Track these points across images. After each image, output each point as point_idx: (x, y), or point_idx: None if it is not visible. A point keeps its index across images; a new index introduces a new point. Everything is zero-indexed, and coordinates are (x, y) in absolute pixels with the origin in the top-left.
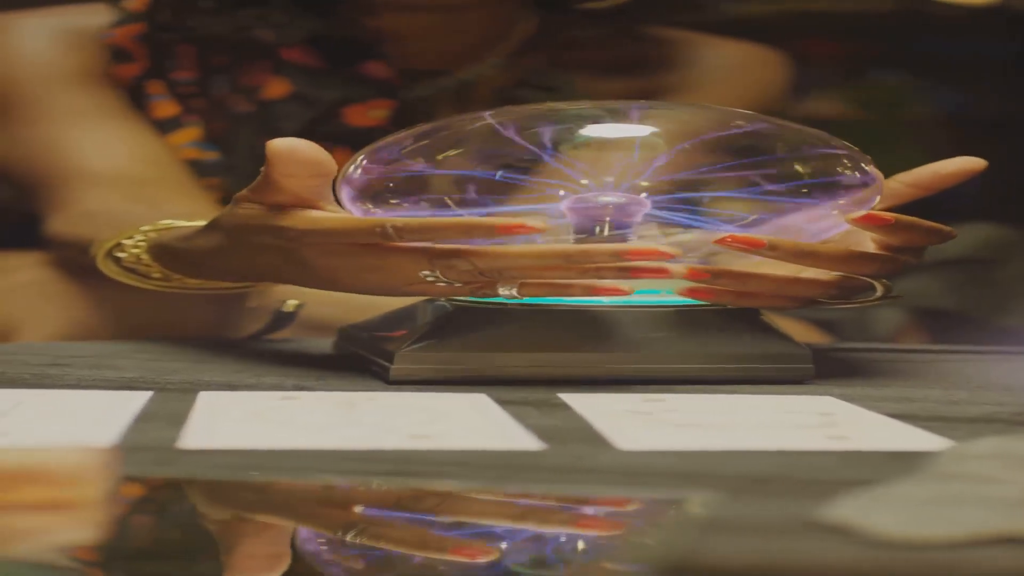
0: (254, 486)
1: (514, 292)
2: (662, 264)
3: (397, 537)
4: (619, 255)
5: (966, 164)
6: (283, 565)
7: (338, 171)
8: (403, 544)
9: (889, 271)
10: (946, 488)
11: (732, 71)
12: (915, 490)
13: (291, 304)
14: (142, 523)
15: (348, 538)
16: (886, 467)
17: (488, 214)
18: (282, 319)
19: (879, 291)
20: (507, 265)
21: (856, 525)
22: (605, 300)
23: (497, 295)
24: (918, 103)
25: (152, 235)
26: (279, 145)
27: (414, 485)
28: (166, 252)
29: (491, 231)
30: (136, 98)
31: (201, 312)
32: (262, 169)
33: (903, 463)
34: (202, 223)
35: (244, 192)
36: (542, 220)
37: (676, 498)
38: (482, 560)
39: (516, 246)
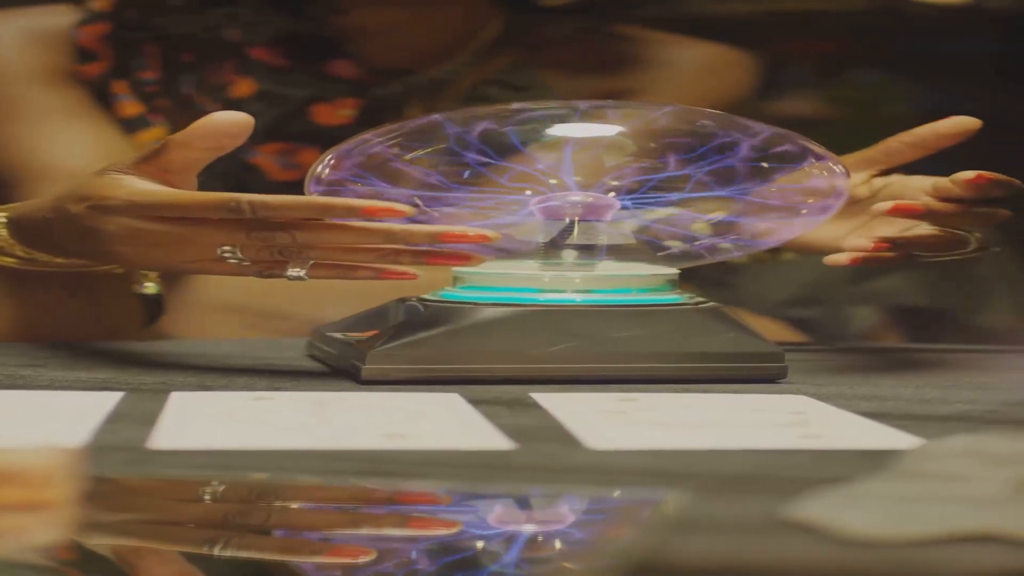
0: (224, 485)
1: (302, 273)
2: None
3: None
4: (436, 237)
5: (963, 123)
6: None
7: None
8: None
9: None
10: (916, 486)
11: (699, 71)
12: (886, 488)
13: (150, 287)
14: (111, 523)
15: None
16: (857, 465)
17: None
18: (152, 305)
19: (973, 244)
20: (325, 240)
21: (827, 523)
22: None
23: (283, 276)
24: (894, 102)
25: (13, 209)
26: (214, 116)
27: (386, 484)
28: (26, 231)
29: (352, 212)
30: (102, 98)
31: (71, 304)
32: (168, 138)
33: (874, 461)
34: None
35: (119, 161)
36: (406, 206)
37: (646, 497)
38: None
39: (340, 221)
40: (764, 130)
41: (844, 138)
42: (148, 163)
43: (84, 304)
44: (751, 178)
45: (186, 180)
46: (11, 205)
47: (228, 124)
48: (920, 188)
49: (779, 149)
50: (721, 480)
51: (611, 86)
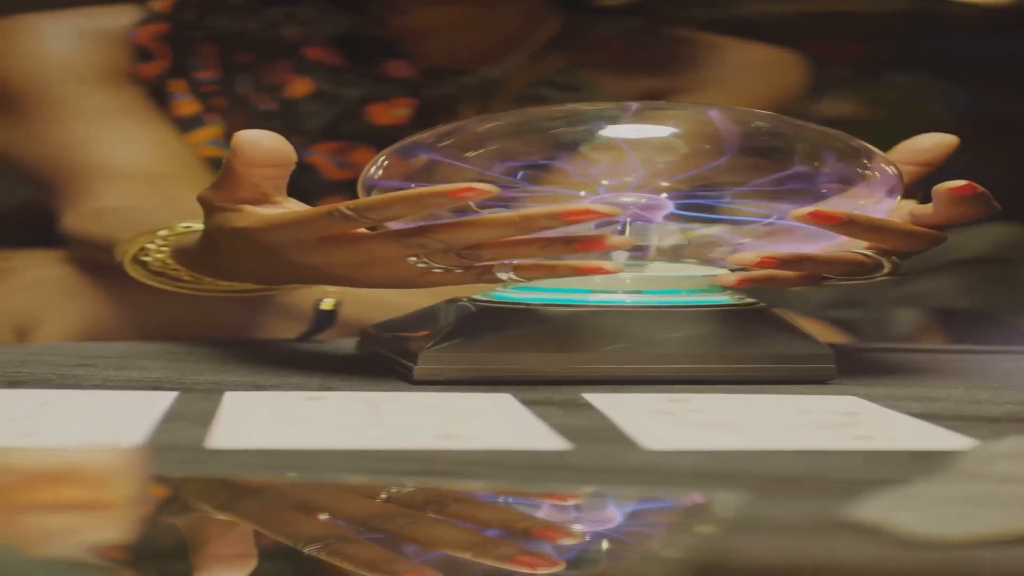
0: (283, 486)
1: (512, 275)
2: (603, 237)
3: (427, 538)
4: (556, 216)
5: (939, 140)
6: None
7: (294, 165)
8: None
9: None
10: (972, 487)
11: (751, 72)
12: (941, 489)
13: (328, 302)
14: (171, 523)
15: (378, 537)
16: (911, 466)
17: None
18: (323, 318)
19: (887, 268)
20: (465, 237)
21: (883, 524)
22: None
23: (499, 280)
24: (932, 103)
25: (172, 239)
26: (244, 134)
27: (442, 485)
28: (187, 256)
29: (439, 198)
30: (158, 97)
31: (228, 312)
32: (223, 161)
33: (928, 462)
34: None
35: (204, 191)
36: (488, 184)
37: (703, 498)
38: (544, 571)
39: (465, 217)
40: (820, 132)
41: (882, 140)
42: (233, 190)
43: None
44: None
45: (284, 199)
46: (165, 233)
47: (267, 139)
48: (900, 212)
49: (835, 151)
50: (775, 481)
51: (662, 86)
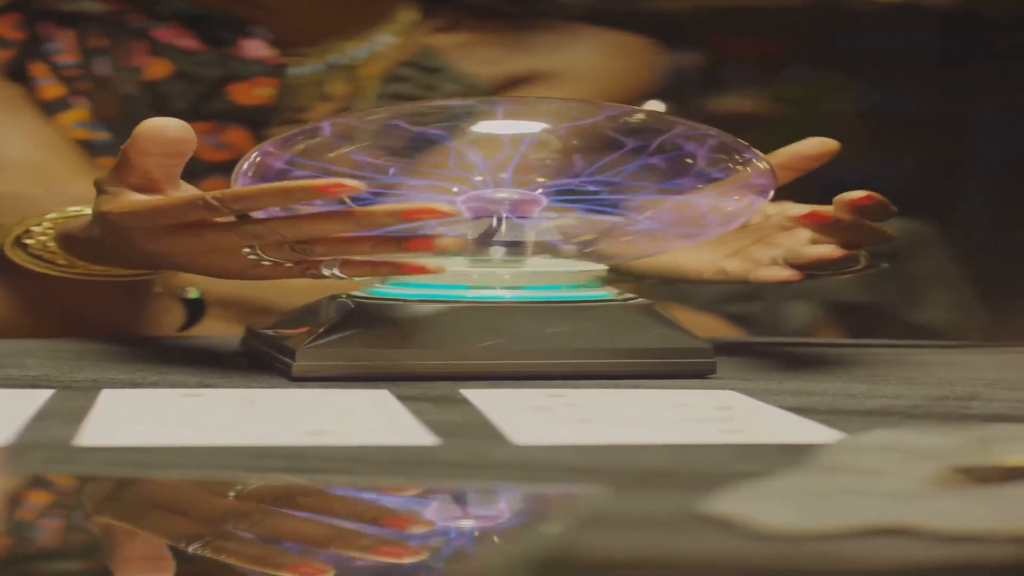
0: (145, 484)
1: (335, 271)
2: (432, 238)
3: (285, 533)
4: (396, 214)
5: (823, 145)
6: (173, 565)
7: (192, 153)
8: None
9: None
10: (832, 480)
11: (600, 56)
12: (801, 482)
13: (191, 292)
14: (31, 522)
15: (238, 534)
16: (775, 459)
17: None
18: (193, 308)
19: (862, 262)
20: (305, 231)
21: (740, 517)
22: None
23: (322, 275)
24: (837, 98)
25: (59, 222)
26: (148, 123)
27: (305, 481)
28: (68, 240)
29: (307, 192)
30: (21, 83)
31: (112, 303)
32: (121, 147)
33: (792, 455)
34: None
35: (102, 175)
36: (357, 181)
37: (564, 492)
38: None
39: (308, 211)
40: (691, 127)
41: (786, 136)
42: (125, 175)
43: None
44: (677, 175)
45: (174, 186)
46: (54, 216)
47: (172, 128)
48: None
49: (706, 144)
50: (639, 475)
51: (519, 69)
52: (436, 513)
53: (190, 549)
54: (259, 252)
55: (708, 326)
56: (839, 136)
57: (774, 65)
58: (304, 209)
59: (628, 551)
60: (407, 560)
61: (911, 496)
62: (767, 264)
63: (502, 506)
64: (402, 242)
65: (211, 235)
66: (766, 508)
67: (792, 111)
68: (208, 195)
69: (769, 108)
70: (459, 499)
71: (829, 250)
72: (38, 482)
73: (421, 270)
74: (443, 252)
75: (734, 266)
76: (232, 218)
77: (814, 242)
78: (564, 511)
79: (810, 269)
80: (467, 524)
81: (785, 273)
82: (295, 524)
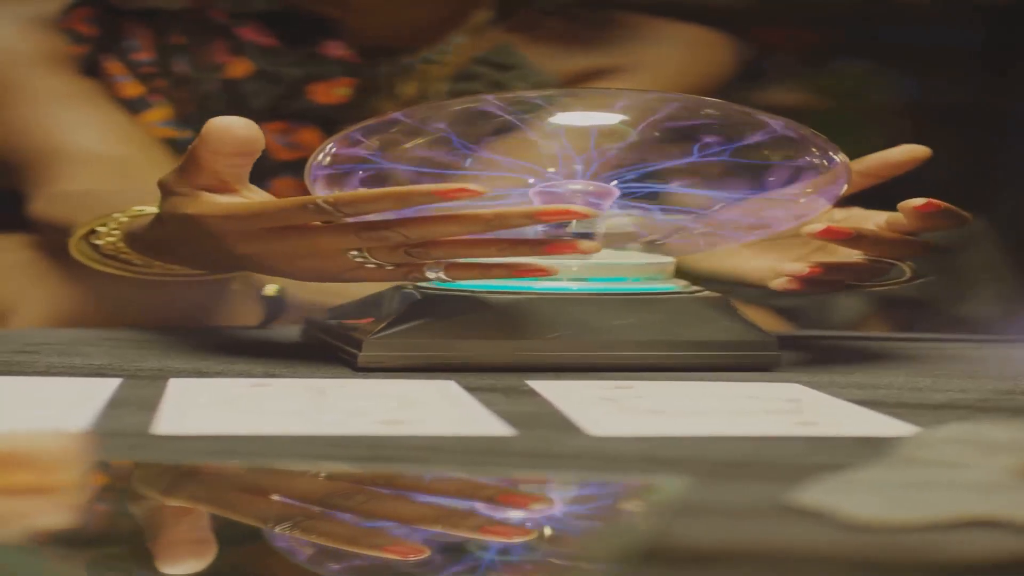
0: (229, 472)
1: (441, 275)
2: (575, 241)
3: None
4: (532, 216)
5: (913, 152)
6: (254, 549)
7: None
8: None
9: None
10: (914, 473)
11: (682, 51)
12: (884, 475)
13: (270, 289)
14: (117, 508)
15: (322, 522)
16: (854, 452)
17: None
18: (273, 306)
19: (907, 273)
20: (432, 233)
21: (826, 509)
22: (530, 284)
23: (426, 278)
24: (880, 91)
25: (124, 222)
26: (216, 122)
27: (387, 470)
28: (138, 240)
29: (428, 197)
30: (95, 79)
31: (188, 296)
32: (189, 147)
33: (871, 448)
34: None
35: (167, 176)
36: (480, 185)
37: (647, 483)
38: (413, 558)
39: (436, 214)
40: (773, 122)
41: (829, 128)
42: (194, 176)
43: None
44: (756, 170)
45: (245, 186)
46: (119, 216)
47: (239, 127)
48: (877, 222)
49: (783, 139)
50: (719, 466)
51: (595, 65)
52: (520, 504)
53: (279, 530)
54: (366, 255)
55: (756, 319)
56: (883, 129)
57: (817, 58)
58: (427, 211)
59: (718, 542)
60: (516, 540)
61: (996, 488)
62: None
63: (588, 496)
64: (540, 245)
65: (319, 238)
66: (853, 500)
67: (835, 103)
68: (320, 198)
69: (812, 100)
70: (545, 488)
71: (858, 258)
72: (123, 469)
73: (538, 271)
74: (584, 255)
75: (788, 267)
76: (343, 221)
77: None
78: (651, 502)
79: (849, 279)
80: (556, 513)
81: (780, 282)
82: (389, 505)
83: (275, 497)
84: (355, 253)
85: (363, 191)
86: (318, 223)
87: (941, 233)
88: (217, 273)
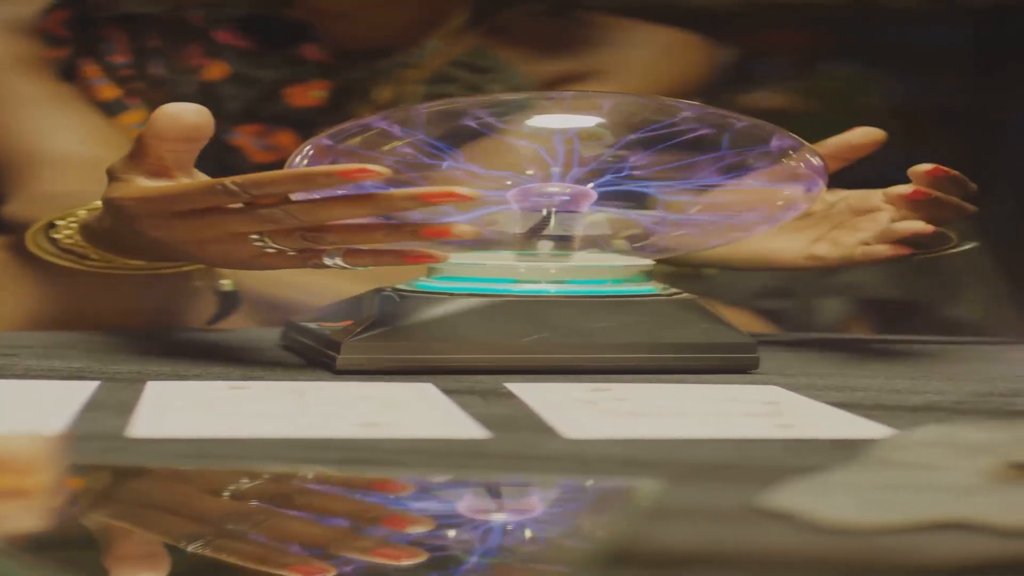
0: (206, 474)
1: (338, 261)
2: (450, 225)
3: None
4: (415, 197)
5: (871, 134)
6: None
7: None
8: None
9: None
10: (890, 475)
11: (658, 54)
12: (858, 477)
13: (226, 283)
14: (92, 511)
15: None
16: (830, 454)
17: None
18: (227, 300)
19: (954, 240)
20: (322, 216)
21: (800, 511)
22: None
23: (324, 264)
24: (869, 94)
25: (82, 215)
26: (166, 108)
27: (365, 473)
28: (91, 233)
29: (330, 177)
30: (71, 82)
31: (152, 296)
32: (138, 133)
33: (846, 451)
34: None
35: (116, 162)
36: (383, 168)
37: (622, 485)
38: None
39: (328, 196)
40: (742, 121)
41: (817, 131)
42: (140, 161)
43: (141, 294)
44: (728, 170)
45: (186, 173)
46: (80, 212)
47: (189, 113)
48: (879, 198)
49: (757, 141)
50: (695, 469)
51: (571, 68)
52: (500, 507)
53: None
54: (266, 239)
55: (739, 321)
56: None
57: (807, 60)
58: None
59: (691, 544)
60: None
61: (970, 491)
62: (858, 245)
63: (561, 499)
64: (417, 230)
65: (223, 221)
66: (826, 502)
67: (824, 106)
68: (227, 180)
69: (801, 103)
70: (517, 493)
71: (922, 225)
72: (98, 471)
73: (426, 258)
74: (460, 239)
75: (826, 250)
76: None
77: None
78: (624, 504)
79: (908, 246)
80: (532, 518)
81: (889, 250)
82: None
83: (251, 503)
84: (255, 237)
85: (269, 172)
86: (230, 207)
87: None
88: (165, 264)
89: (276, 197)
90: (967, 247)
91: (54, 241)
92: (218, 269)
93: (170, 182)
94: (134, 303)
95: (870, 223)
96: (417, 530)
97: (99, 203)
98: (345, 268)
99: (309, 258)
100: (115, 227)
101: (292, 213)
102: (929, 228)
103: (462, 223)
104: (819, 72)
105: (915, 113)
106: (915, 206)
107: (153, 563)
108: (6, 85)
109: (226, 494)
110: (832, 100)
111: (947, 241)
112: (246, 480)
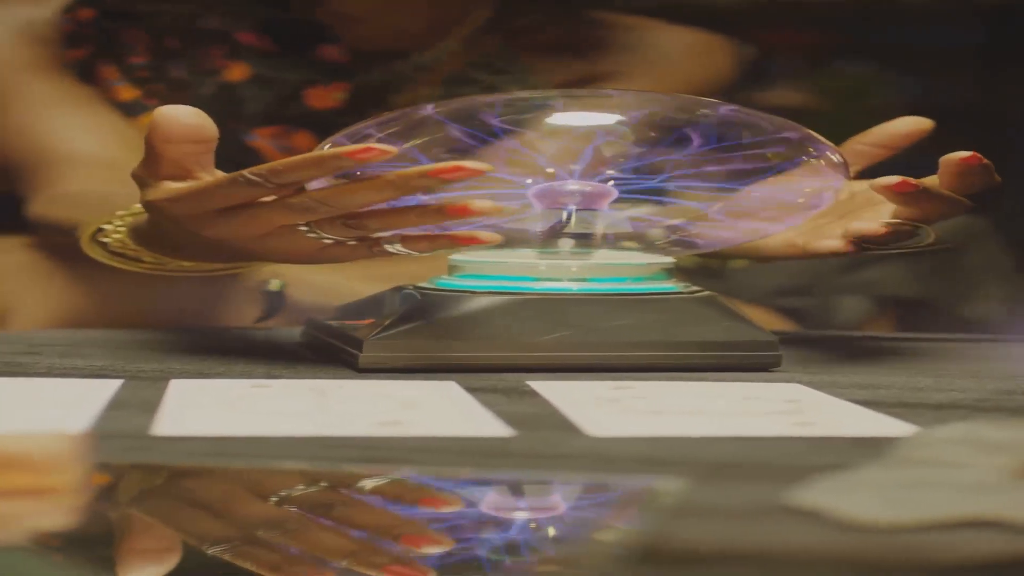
0: (229, 473)
1: (399, 247)
2: (468, 201)
3: (367, 524)
4: (426, 175)
5: (919, 123)
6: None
7: (216, 141)
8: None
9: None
10: (913, 473)
11: (680, 55)
12: (882, 475)
13: (274, 283)
14: (116, 510)
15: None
16: (853, 452)
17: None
18: (273, 301)
19: (930, 238)
20: (345, 200)
21: (825, 509)
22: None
23: (387, 252)
24: (882, 93)
25: (128, 219)
26: (162, 110)
27: (383, 471)
28: (143, 236)
29: (339, 160)
30: (89, 83)
31: (193, 294)
32: (145, 138)
33: (870, 448)
34: None
35: (136, 168)
36: (390, 147)
37: (646, 484)
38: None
39: (345, 182)
40: (764, 119)
41: (830, 129)
42: (156, 166)
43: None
44: (750, 167)
45: (208, 172)
46: (123, 213)
47: (185, 115)
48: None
49: (781, 138)
50: (719, 467)
51: (592, 70)
52: (526, 506)
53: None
54: (317, 231)
55: (759, 320)
56: None
57: (818, 59)
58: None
59: (716, 543)
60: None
61: (995, 489)
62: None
63: (586, 497)
64: (442, 210)
65: (260, 214)
66: (850, 500)
67: (835, 105)
68: (245, 171)
69: (815, 102)
70: (541, 491)
71: (873, 227)
72: (122, 470)
73: (474, 240)
74: (481, 217)
75: (804, 240)
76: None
77: (895, 217)
78: (651, 502)
79: (874, 244)
80: (558, 517)
81: (836, 244)
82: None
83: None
84: (304, 229)
85: (284, 159)
86: (263, 201)
87: (944, 234)
88: (219, 264)
89: (296, 185)
90: (941, 247)
91: (104, 245)
92: (268, 267)
93: (195, 182)
94: (171, 304)
95: (872, 214)
96: (438, 541)
97: (139, 206)
98: (411, 255)
99: (371, 246)
100: (168, 229)
101: (314, 199)
102: (880, 230)
103: (479, 199)
104: (829, 70)
105: (926, 111)
106: (903, 199)
107: (176, 561)
108: (25, 86)
109: (252, 494)
110: (843, 99)
111: (915, 237)
112: (273, 480)
